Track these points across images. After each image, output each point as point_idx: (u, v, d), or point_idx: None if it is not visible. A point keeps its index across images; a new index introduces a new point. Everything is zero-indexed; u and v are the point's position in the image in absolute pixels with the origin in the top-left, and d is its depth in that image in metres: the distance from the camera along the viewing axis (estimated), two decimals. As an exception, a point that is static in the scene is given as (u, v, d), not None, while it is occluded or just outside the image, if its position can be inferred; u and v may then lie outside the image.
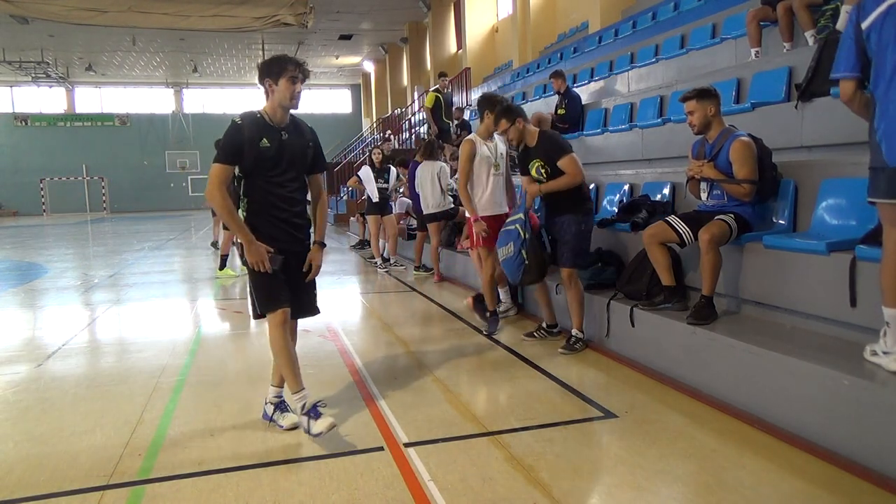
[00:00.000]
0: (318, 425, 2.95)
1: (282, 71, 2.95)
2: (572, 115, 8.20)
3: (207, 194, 2.95)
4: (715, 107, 3.76)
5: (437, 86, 11.43)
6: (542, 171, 4.34)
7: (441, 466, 2.67)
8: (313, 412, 3.00)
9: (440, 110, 11.05)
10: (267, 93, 3.00)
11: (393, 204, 9.15)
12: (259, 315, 3.09)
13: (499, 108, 4.48)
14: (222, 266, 8.46)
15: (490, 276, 5.00)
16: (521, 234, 4.27)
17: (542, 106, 9.53)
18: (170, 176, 36.17)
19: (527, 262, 4.27)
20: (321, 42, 27.57)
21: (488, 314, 5.04)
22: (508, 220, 4.50)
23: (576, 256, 4.28)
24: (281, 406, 3.19)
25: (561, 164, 4.26)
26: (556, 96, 8.51)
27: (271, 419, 3.18)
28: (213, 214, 11.83)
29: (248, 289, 3.14)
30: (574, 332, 4.35)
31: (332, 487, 2.52)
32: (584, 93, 9.53)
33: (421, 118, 19.18)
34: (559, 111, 8.30)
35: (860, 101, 2.71)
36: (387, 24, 24.95)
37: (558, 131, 8.12)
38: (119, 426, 3.22)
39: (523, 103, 11.23)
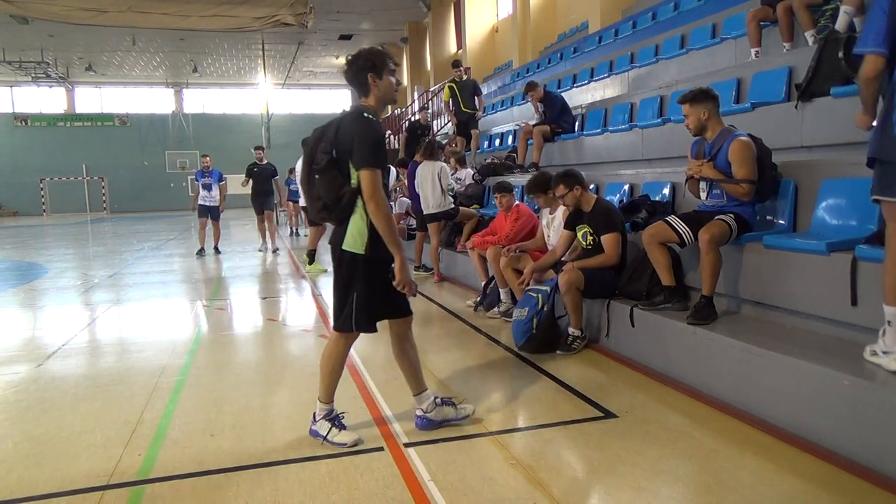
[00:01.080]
0: (344, 436, 2.91)
1: (384, 65, 2.82)
2: (552, 115, 8.25)
3: (371, 201, 2.67)
4: (709, 110, 3.76)
5: (453, 77, 11.16)
6: (589, 237, 4.43)
7: (441, 466, 2.67)
8: (338, 422, 2.96)
9: (458, 100, 10.63)
10: (368, 88, 2.83)
11: (393, 204, 9.15)
12: (344, 329, 2.87)
13: (557, 174, 4.53)
14: (311, 261, 8.78)
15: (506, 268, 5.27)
16: (540, 304, 4.31)
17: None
18: (170, 176, 36.14)
19: (534, 331, 4.30)
20: (321, 42, 27.58)
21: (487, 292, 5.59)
22: (534, 287, 4.59)
23: (587, 277, 4.25)
24: (337, 420, 3.00)
25: (604, 238, 4.33)
26: (541, 105, 8.51)
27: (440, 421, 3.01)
28: (203, 216, 11.18)
29: (341, 298, 2.87)
30: (571, 330, 4.34)
31: (332, 487, 2.52)
32: (605, 88, 9.50)
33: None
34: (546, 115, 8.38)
35: (881, 83, 2.53)
36: (387, 24, 24.96)
37: (557, 135, 8.21)
38: (119, 426, 3.22)
39: (523, 104, 11.24)
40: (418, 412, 3.06)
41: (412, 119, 10.72)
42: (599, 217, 4.39)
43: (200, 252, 11.16)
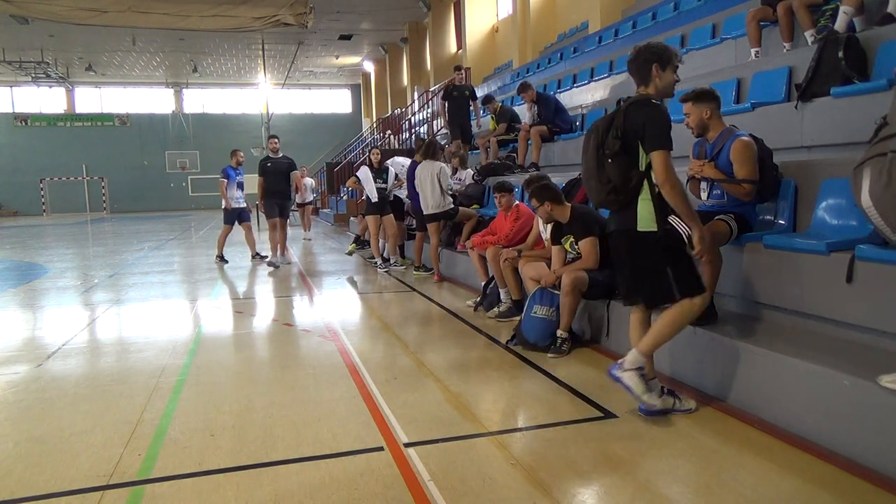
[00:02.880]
0: (654, 399, 3.00)
1: (670, 59, 2.94)
2: (546, 117, 8.25)
3: (667, 183, 2.82)
4: (711, 109, 3.75)
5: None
6: (575, 246, 4.45)
7: (441, 466, 2.66)
8: (647, 381, 3.02)
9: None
10: (650, 78, 2.95)
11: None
12: (663, 301, 3.03)
13: (532, 186, 4.58)
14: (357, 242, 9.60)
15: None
16: None
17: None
18: (170, 176, 36.20)
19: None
20: (321, 42, 27.60)
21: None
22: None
23: (589, 277, 4.29)
24: (645, 379, 3.05)
25: (580, 244, 4.37)
26: (535, 106, 8.51)
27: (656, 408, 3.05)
28: (228, 222, 9.92)
29: (654, 276, 3.02)
30: (559, 332, 4.30)
31: (333, 487, 2.52)
32: (605, 88, 9.48)
33: (421, 118, 19.19)
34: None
35: None
36: (387, 24, 24.98)
37: (553, 137, 8.20)
38: (119, 426, 3.22)
39: (523, 104, 11.23)
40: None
41: (447, 87, 9.83)
42: (577, 225, 4.41)
43: (258, 257, 10.05)
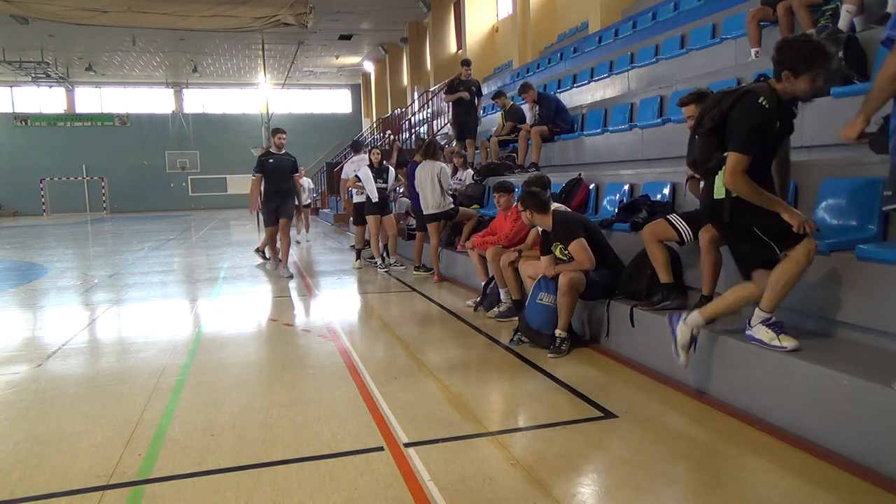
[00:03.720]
0: (787, 340, 2.96)
1: (806, 70, 2.82)
2: (546, 117, 8.27)
3: (732, 186, 2.85)
4: None
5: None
6: (565, 252, 4.45)
7: (441, 466, 2.66)
8: (779, 328, 3.01)
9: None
10: (785, 76, 2.87)
11: (393, 204, 9.13)
12: (775, 256, 2.95)
13: (522, 191, 4.61)
14: (358, 257, 9.09)
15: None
16: None
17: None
18: (170, 176, 36.21)
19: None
20: (321, 42, 27.59)
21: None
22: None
23: (587, 278, 4.30)
24: (777, 326, 3.05)
25: (570, 249, 4.37)
26: (536, 106, 8.51)
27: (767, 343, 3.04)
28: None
29: (751, 243, 3.04)
30: (558, 332, 4.31)
31: (332, 487, 2.52)
32: (605, 88, 9.48)
33: (421, 118, 19.18)
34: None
35: None
36: (387, 24, 24.97)
37: (553, 137, 8.20)
38: (119, 426, 3.22)
39: (523, 104, 11.24)
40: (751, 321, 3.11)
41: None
42: (560, 231, 4.42)
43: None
